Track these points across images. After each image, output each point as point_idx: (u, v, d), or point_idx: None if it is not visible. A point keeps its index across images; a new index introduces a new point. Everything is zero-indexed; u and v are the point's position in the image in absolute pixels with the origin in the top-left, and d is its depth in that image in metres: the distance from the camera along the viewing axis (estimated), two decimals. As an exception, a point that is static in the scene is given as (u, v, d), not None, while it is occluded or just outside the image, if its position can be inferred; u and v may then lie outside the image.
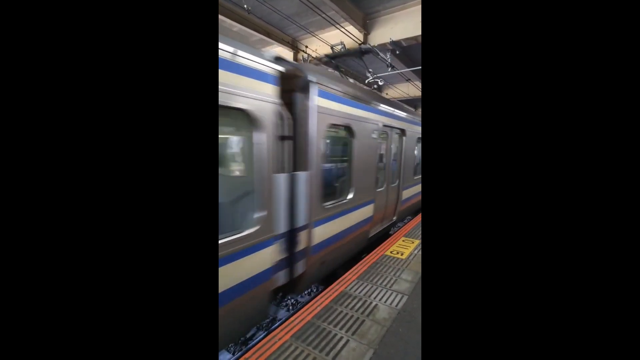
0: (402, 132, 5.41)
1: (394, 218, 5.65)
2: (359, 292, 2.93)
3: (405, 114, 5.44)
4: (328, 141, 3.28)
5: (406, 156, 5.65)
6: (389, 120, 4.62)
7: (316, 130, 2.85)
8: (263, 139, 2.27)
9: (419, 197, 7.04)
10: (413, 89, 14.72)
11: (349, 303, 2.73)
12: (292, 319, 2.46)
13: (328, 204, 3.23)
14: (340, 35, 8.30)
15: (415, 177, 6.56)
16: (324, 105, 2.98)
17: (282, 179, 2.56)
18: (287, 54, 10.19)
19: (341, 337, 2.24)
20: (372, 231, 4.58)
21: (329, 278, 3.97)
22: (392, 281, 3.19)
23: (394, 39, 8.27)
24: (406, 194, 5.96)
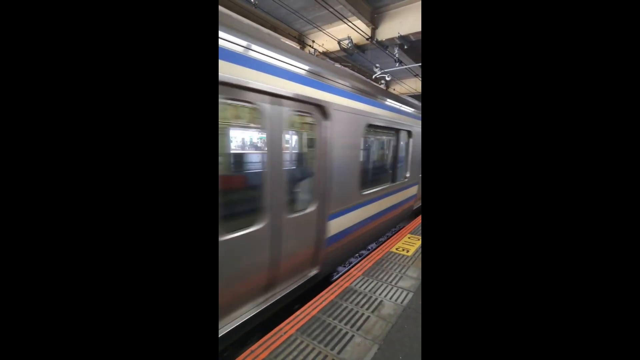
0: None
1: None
2: (364, 288, 2.94)
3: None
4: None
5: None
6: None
7: None
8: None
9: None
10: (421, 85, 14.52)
11: (354, 299, 2.74)
12: (297, 313, 2.49)
13: None
14: (348, 30, 8.22)
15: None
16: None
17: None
18: (294, 48, 10.11)
19: (346, 332, 2.26)
20: None
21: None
22: (397, 278, 3.19)
23: (402, 34, 8.14)
24: None
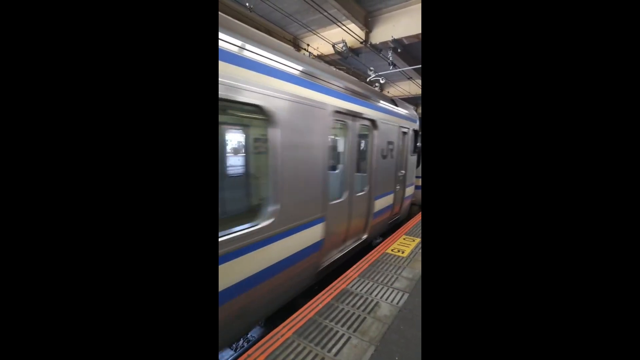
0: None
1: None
2: (360, 290, 2.96)
3: None
4: None
5: None
6: None
7: None
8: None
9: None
10: (414, 87, 14.66)
11: (351, 300, 2.75)
12: (294, 316, 2.49)
13: None
14: (342, 34, 8.28)
15: None
16: None
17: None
18: (289, 52, 10.13)
19: (343, 334, 2.27)
20: None
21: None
22: (393, 279, 3.22)
23: (395, 37, 8.24)
24: None
